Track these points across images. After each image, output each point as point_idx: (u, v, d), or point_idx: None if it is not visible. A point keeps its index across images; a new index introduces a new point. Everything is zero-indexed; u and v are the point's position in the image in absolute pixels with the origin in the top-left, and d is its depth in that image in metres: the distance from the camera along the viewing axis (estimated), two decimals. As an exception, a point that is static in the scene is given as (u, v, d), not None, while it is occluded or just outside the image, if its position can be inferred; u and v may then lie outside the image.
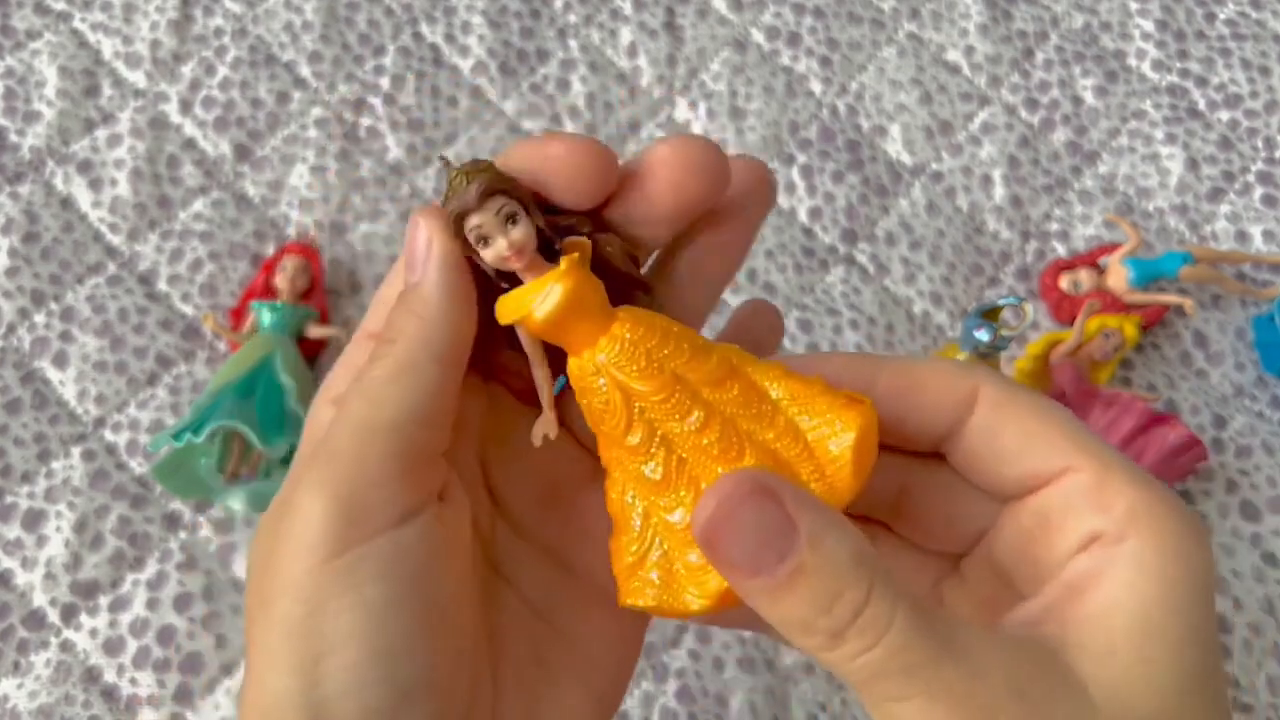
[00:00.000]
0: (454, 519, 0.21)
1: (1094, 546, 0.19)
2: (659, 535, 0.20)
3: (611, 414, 0.20)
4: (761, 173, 0.23)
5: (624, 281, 0.22)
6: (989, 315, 0.41)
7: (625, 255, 0.21)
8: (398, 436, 0.20)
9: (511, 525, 0.23)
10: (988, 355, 0.41)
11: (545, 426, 0.21)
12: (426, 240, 0.21)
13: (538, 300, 0.20)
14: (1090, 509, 0.19)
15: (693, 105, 0.52)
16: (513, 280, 0.21)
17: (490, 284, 0.21)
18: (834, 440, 0.20)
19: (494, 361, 0.23)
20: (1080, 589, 0.18)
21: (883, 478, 0.22)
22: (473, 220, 0.20)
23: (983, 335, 0.40)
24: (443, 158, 0.21)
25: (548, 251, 0.21)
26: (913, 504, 0.23)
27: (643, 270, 0.23)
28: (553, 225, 0.21)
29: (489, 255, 0.20)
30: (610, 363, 0.20)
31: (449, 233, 0.21)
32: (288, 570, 0.19)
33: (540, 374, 0.21)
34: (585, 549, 0.23)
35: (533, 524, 0.23)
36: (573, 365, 0.21)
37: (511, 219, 0.20)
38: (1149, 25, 0.56)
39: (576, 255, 0.21)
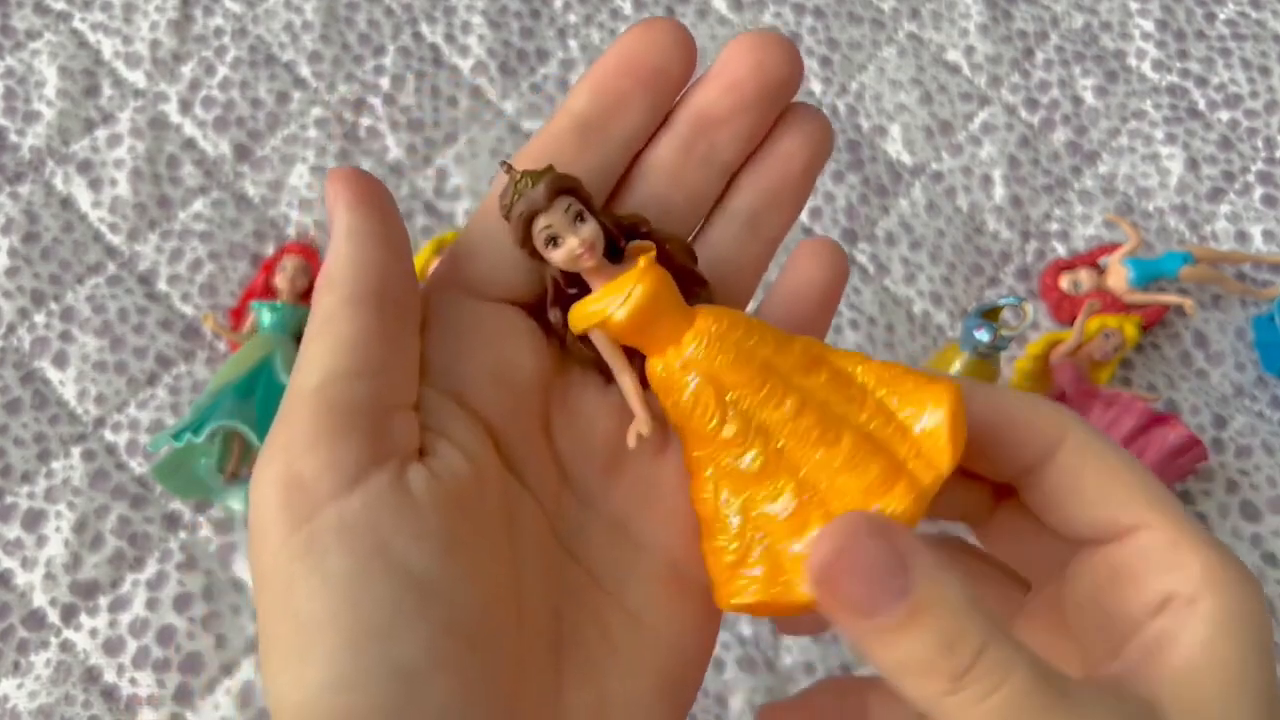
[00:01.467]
0: (441, 481, 0.19)
1: (1171, 607, 0.19)
2: (759, 529, 0.20)
3: (702, 409, 0.20)
4: (820, 116, 0.23)
5: (684, 278, 0.22)
6: (989, 315, 0.41)
7: (686, 251, 0.22)
8: (323, 395, 0.19)
9: (578, 495, 0.22)
10: (988, 355, 0.41)
11: (641, 426, 0.21)
12: (333, 195, 0.21)
13: (616, 302, 0.20)
14: (1166, 568, 0.19)
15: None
16: (578, 287, 0.21)
17: (559, 292, 0.21)
18: (926, 416, 0.20)
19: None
20: (1160, 649, 0.19)
21: (957, 503, 0.23)
22: (541, 221, 0.20)
23: (983, 335, 0.40)
24: (505, 163, 0.21)
25: (610, 254, 0.21)
26: (986, 537, 0.23)
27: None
28: (615, 224, 0.21)
29: (559, 255, 0.20)
30: (699, 357, 0.20)
31: (356, 182, 0.21)
32: (257, 562, 0.18)
33: (627, 379, 0.21)
34: (655, 521, 0.22)
35: (600, 493, 0.22)
36: (654, 365, 0.21)
37: (579, 217, 0.20)
38: (1149, 25, 0.56)
39: (653, 253, 0.21)
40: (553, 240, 0.20)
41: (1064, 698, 0.17)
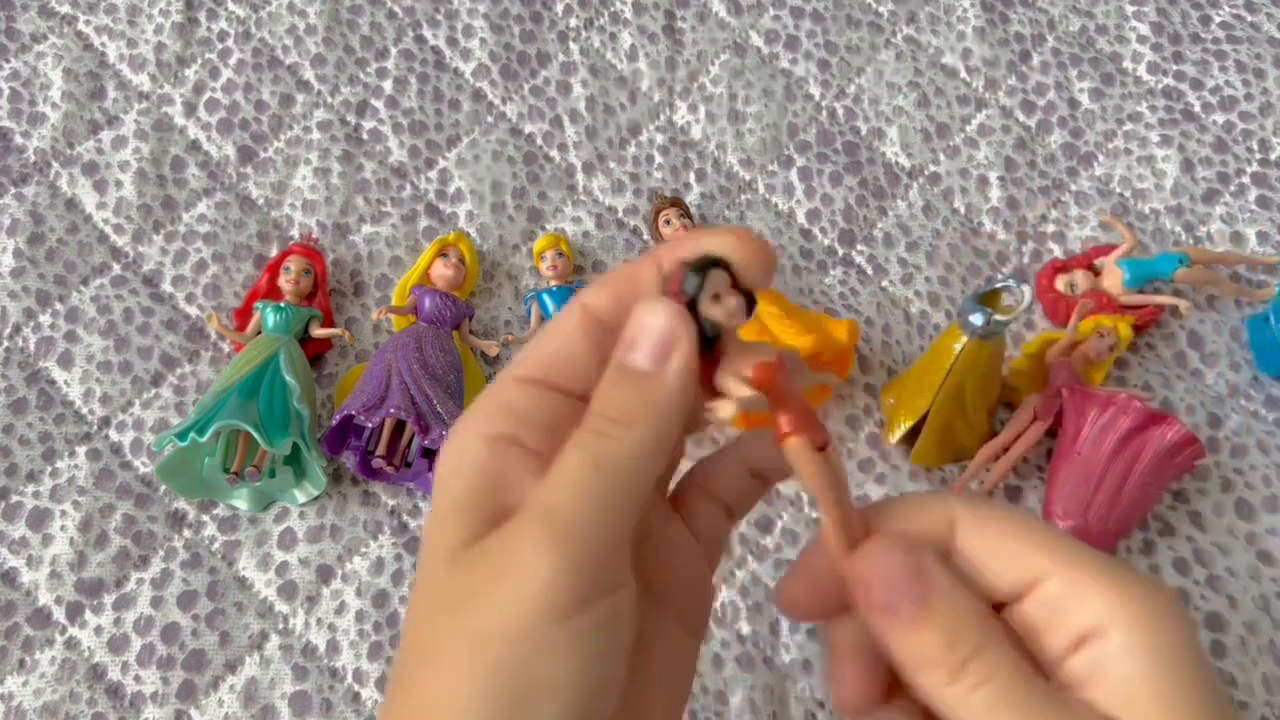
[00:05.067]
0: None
1: (1086, 644, 0.21)
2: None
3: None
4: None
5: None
6: (988, 299, 0.41)
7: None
8: (635, 513, 0.21)
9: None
10: (987, 338, 0.41)
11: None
12: (670, 335, 0.22)
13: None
14: (1072, 609, 0.21)
15: (693, 108, 0.53)
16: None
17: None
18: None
19: None
20: (1086, 685, 0.21)
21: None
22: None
23: (976, 319, 0.41)
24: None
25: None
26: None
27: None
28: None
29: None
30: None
31: (693, 339, 0.22)
32: (506, 615, 0.20)
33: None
34: (666, 574, 0.25)
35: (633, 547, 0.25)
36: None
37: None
38: (1144, 28, 0.56)
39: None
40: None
41: (1040, 694, 0.21)
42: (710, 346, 0.22)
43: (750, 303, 0.23)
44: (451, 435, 0.22)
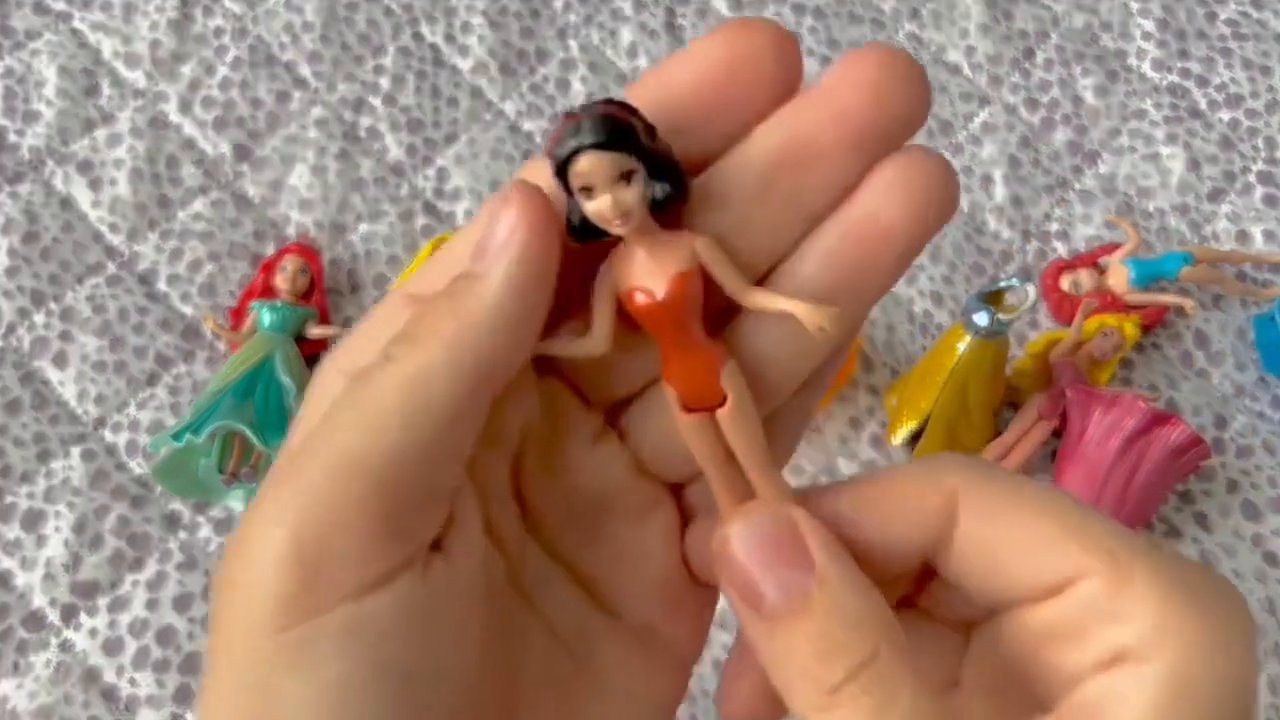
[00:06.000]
0: (455, 571, 0.17)
1: (1116, 668, 0.16)
2: None
3: None
4: (941, 169, 0.18)
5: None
6: (992, 298, 0.41)
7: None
8: (388, 478, 0.16)
9: (544, 545, 0.20)
10: (990, 337, 0.41)
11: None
12: (511, 224, 0.16)
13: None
14: (1108, 621, 0.16)
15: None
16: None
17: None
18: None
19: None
20: (1101, 711, 0.16)
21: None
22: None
23: (980, 319, 0.40)
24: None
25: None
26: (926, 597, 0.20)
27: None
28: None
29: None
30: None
31: (546, 220, 0.17)
32: (232, 633, 0.16)
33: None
34: (626, 584, 0.20)
35: (570, 547, 0.20)
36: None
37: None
38: (1149, 25, 0.56)
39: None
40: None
41: None
42: (586, 235, 0.17)
43: (673, 183, 0.17)
44: None
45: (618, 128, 0.16)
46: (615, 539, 0.20)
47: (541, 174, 0.17)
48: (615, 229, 0.17)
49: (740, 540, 0.17)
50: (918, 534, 0.18)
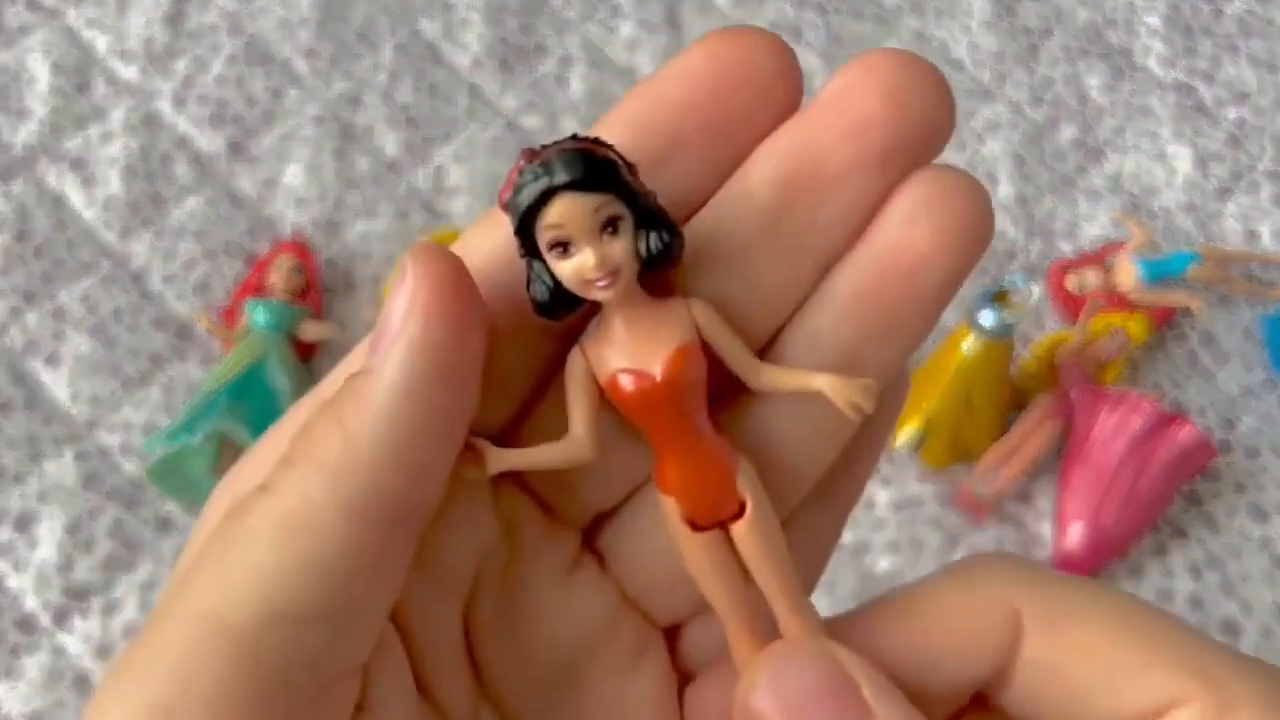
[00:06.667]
0: None
1: None
2: None
3: None
4: (973, 192, 0.15)
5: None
6: (997, 298, 0.40)
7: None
8: (261, 650, 0.12)
9: (502, 713, 0.16)
10: (997, 339, 0.41)
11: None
12: (406, 303, 0.13)
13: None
14: None
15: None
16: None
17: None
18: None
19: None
20: None
21: None
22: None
23: (987, 320, 0.40)
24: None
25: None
26: None
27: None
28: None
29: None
30: None
31: (457, 291, 0.13)
32: None
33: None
34: None
35: (535, 712, 0.16)
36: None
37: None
38: (1156, 21, 0.55)
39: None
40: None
41: None
42: (557, 307, 0.14)
43: (664, 239, 0.14)
44: None
45: (596, 163, 0.13)
46: (593, 702, 0.16)
47: (489, 236, 0.14)
48: (596, 293, 0.14)
49: (772, 695, 0.14)
50: (975, 667, 0.15)
